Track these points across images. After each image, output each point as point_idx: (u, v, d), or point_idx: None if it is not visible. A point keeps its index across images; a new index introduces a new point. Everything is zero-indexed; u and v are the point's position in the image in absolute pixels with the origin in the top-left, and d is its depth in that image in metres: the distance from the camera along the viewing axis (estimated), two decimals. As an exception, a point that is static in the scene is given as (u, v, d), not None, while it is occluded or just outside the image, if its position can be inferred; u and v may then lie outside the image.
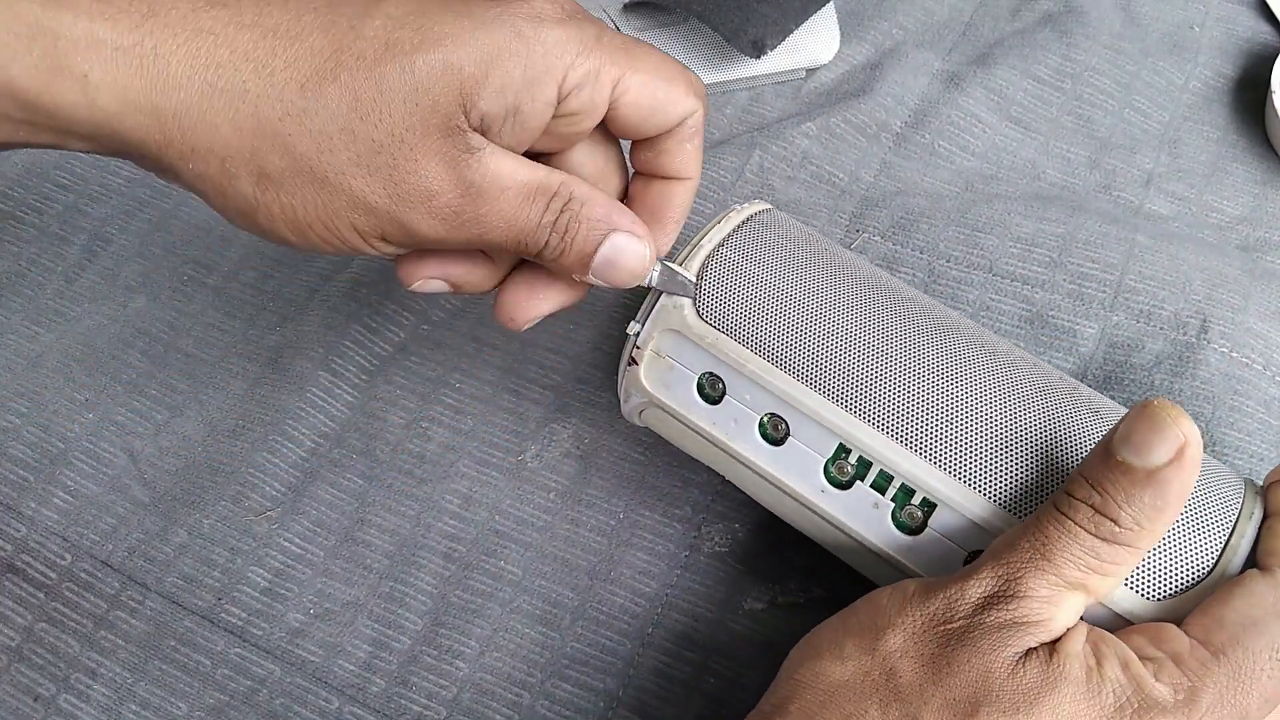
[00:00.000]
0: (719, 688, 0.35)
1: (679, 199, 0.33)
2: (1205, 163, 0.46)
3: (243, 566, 0.38)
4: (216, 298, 0.45)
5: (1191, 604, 0.28)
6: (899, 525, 0.30)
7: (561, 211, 0.29)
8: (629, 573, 0.37)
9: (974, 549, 0.30)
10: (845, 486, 0.31)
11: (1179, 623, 0.27)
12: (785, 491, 0.32)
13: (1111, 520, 0.26)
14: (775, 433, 0.32)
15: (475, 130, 0.28)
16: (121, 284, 0.45)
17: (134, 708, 0.36)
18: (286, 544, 0.38)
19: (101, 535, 0.39)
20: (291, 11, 0.27)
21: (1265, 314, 0.39)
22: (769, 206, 0.35)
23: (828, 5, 0.48)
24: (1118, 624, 0.28)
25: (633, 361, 0.33)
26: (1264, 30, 0.50)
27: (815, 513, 0.32)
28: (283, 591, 0.38)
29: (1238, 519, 0.29)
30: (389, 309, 0.43)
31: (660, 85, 0.30)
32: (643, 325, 0.33)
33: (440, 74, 0.27)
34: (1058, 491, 0.28)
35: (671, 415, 0.34)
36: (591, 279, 0.31)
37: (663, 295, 0.33)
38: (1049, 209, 0.43)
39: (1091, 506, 0.26)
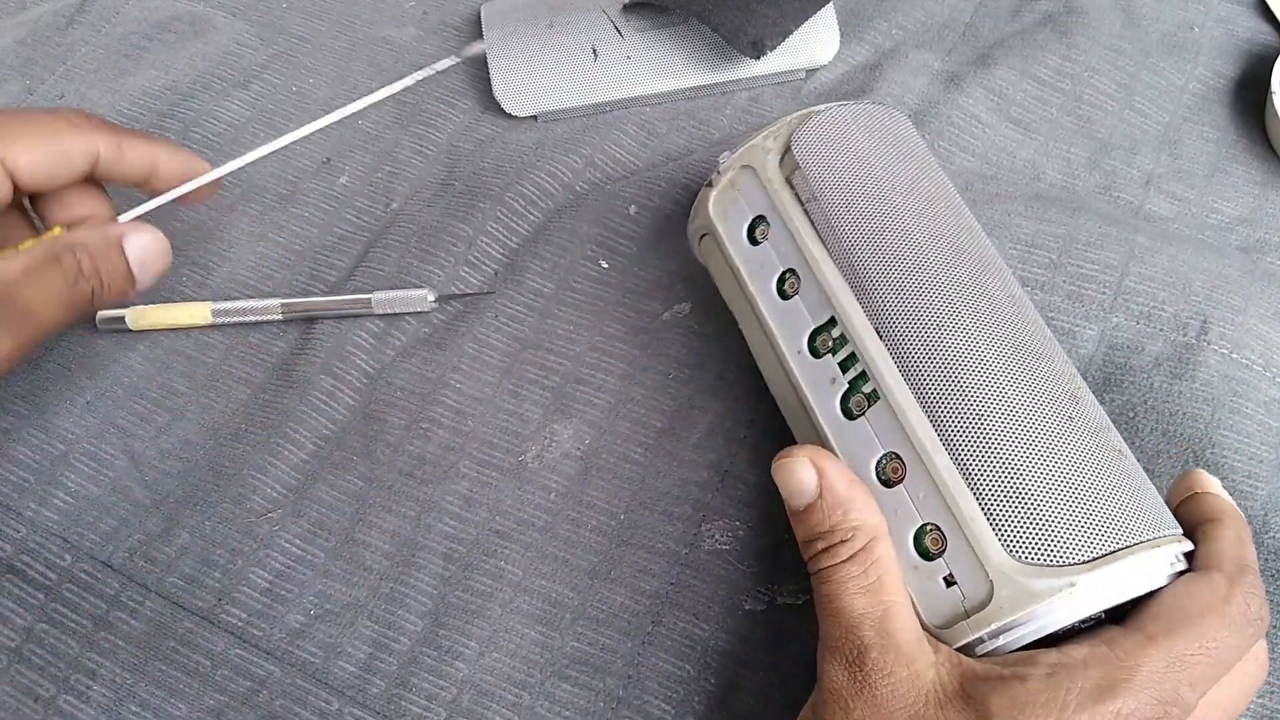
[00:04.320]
0: (720, 687, 0.35)
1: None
2: (1205, 163, 0.46)
3: (243, 568, 0.38)
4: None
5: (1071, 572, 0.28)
6: (843, 408, 0.32)
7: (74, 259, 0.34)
8: (629, 572, 0.37)
9: (887, 450, 0.31)
10: (818, 356, 0.33)
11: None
12: (771, 344, 0.34)
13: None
14: (788, 289, 0.34)
15: None
16: (122, 285, 0.45)
17: (134, 709, 0.36)
18: (287, 545, 0.38)
19: (102, 536, 0.39)
20: None
21: (1265, 315, 0.40)
22: (882, 105, 0.37)
23: (827, 5, 0.48)
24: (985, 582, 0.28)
25: (710, 184, 0.37)
26: (1264, 30, 0.50)
27: (785, 372, 0.34)
28: (283, 592, 0.38)
29: (1150, 540, 0.28)
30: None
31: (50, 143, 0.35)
32: (732, 154, 0.37)
33: None
34: None
35: (719, 248, 0.37)
36: (143, 285, 0.37)
37: (759, 136, 0.36)
38: (1049, 210, 0.43)
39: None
